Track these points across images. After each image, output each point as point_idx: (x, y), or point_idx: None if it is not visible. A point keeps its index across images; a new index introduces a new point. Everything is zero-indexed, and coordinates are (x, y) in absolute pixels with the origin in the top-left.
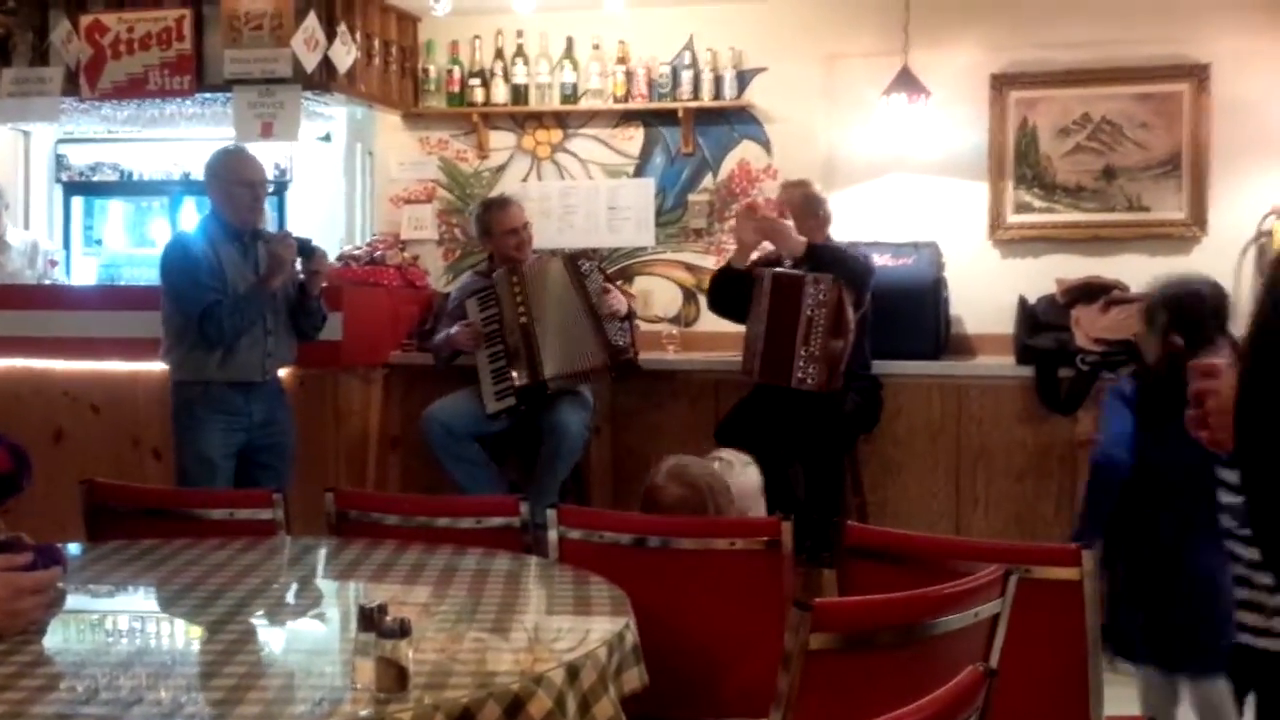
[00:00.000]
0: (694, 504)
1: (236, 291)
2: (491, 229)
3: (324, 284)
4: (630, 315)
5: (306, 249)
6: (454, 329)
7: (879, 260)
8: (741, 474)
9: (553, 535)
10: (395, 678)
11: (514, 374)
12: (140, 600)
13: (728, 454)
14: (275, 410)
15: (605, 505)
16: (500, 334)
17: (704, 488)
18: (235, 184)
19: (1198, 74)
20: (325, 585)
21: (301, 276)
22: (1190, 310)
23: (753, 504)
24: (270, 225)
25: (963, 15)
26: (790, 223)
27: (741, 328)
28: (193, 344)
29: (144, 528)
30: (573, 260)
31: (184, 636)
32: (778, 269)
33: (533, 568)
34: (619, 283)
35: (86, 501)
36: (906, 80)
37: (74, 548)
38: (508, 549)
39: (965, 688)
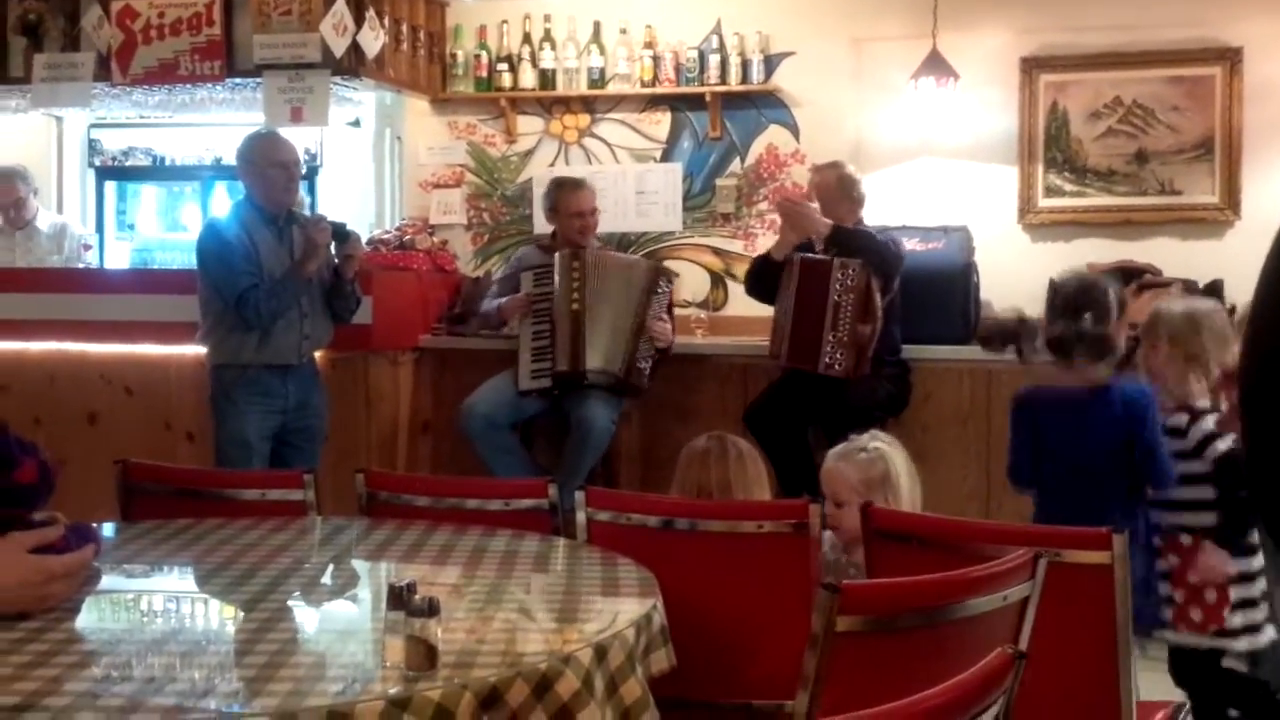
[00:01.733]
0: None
1: (272, 275)
2: (559, 208)
3: (358, 268)
4: (666, 351)
5: (341, 233)
6: (504, 299)
7: (909, 245)
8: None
9: (581, 517)
10: (425, 656)
11: (555, 356)
12: (173, 580)
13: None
14: (310, 393)
15: (634, 489)
16: (550, 314)
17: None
18: (269, 165)
19: (1230, 57)
20: (356, 565)
21: (336, 261)
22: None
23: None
24: (304, 209)
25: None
26: (816, 205)
27: (769, 311)
28: (230, 327)
29: (177, 508)
30: (656, 271)
31: (216, 615)
32: (805, 254)
33: (561, 549)
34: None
35: (121, 482)
36: (936, 63)
37: (108, 527)
38: (537, 531)
39: (994, 670)
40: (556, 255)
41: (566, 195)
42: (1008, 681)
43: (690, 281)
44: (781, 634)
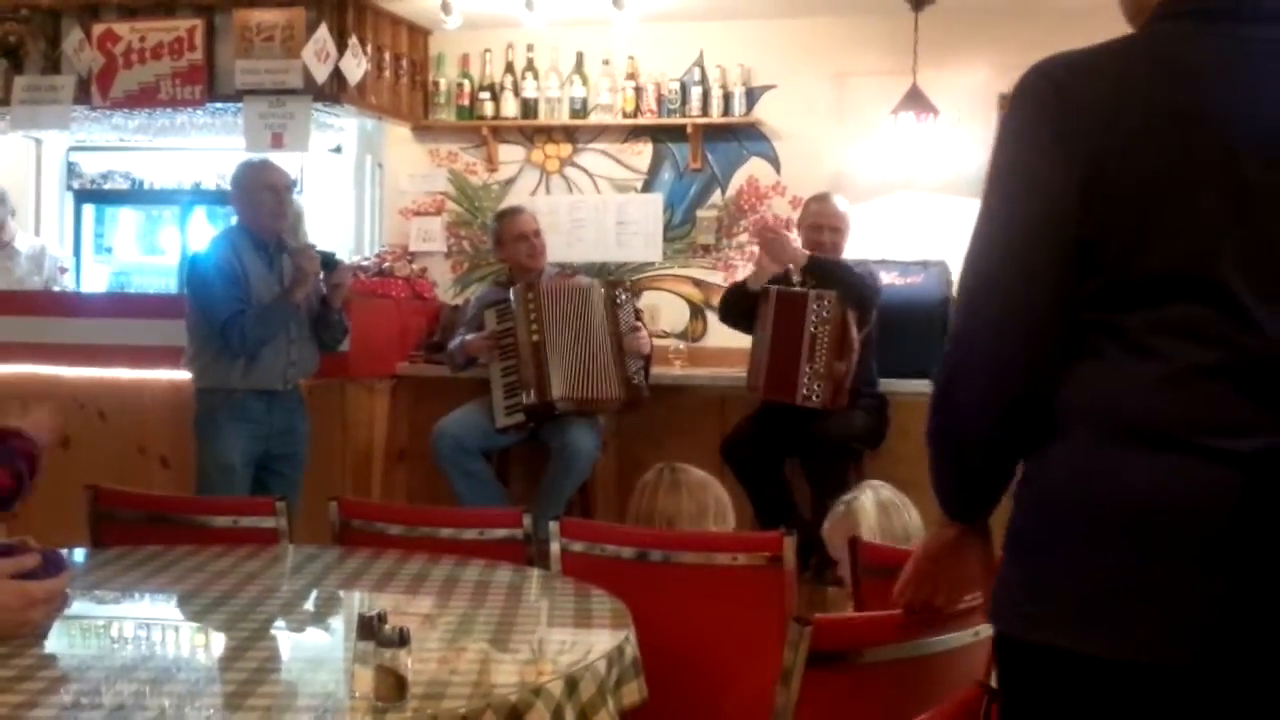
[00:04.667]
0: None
1: (261, 302)
2: (503, 237)
3: (346, 297)
4: (649, 357)
5: (330, 262)
6: (469, 336)
7: (886, 279)
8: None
9: (555, 548)
10: (394, 686)
11: (524, 391)
12: (143, 606)
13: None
14: (294, 420)
15: (611, 518)
16: (515, 348)
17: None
18: (259, 189)
19: None
20: (326, 594)
21: (324, 289)
22: None
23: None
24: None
25: (971, 35)
26: (794, 234)
27: (748, 341)
28: (216, 352)
29: (148, 534)
30: (610, 286)
31: (185, 643)
32: (781, 287)
33: (534, 579)
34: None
35: (91, 507)
36: (915, 99)
37: (79, 553)
38: (510, 561)
39: (963, 704)
40: (512, 289)
41: (507, 223)
42: (978, 716)
43: (669, 313)
44: (755, 667)
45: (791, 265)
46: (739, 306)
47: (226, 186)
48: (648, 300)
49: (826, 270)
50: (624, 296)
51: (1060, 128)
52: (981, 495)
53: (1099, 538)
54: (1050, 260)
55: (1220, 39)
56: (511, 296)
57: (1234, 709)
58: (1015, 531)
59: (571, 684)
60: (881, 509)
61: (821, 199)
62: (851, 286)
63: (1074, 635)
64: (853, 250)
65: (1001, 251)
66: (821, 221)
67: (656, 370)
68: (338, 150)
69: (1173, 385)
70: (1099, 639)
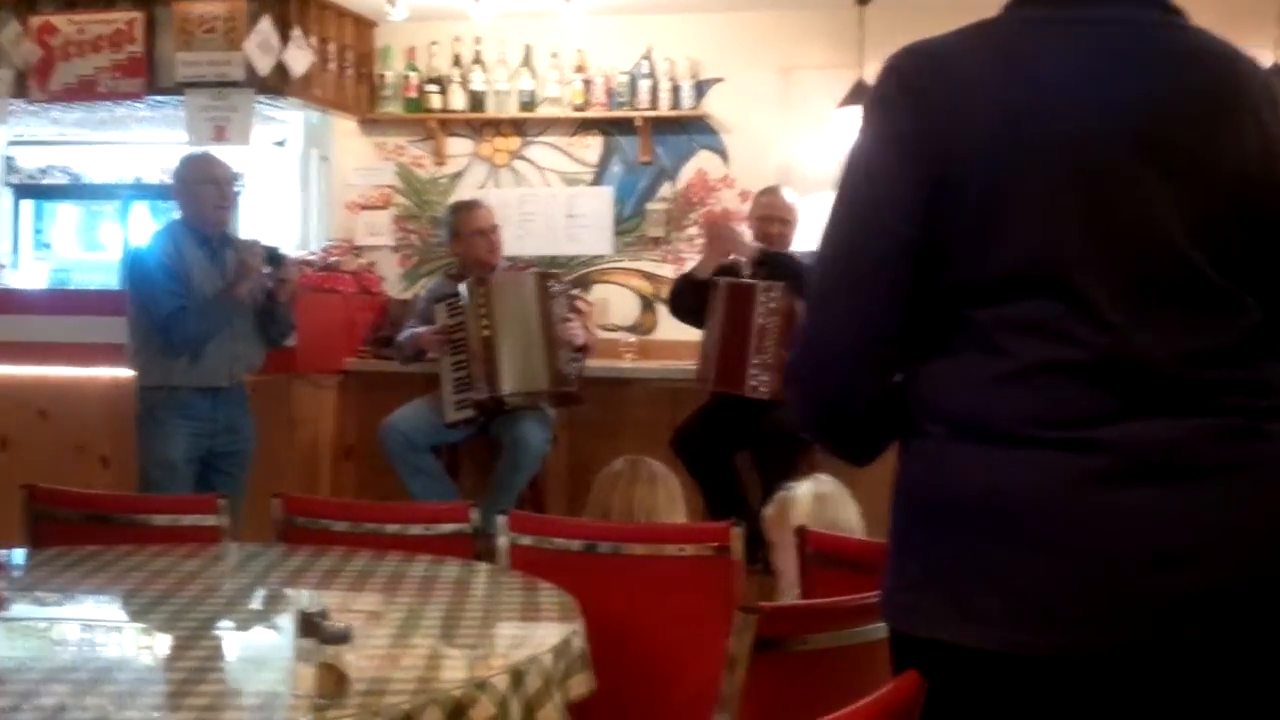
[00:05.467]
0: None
1: (203, 297)
2: (460, 231)
3: (292, 292)
4: (585, 348)
5: (275, 257)
6: (420, 329)
7: None
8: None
9: (503, 541)
10: (335, 684)
11: (474, 386)
12: (80, 607)
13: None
14: (239, 417)
15: (561, 512)
16: (465, 343)
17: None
18: (200, 182)
19: None
20: (268, 592)
21: (269, 284)
22: None
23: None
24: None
25: (916, 29)
26: (744, 226)
27: (697, 334)
28: (159, 349)
29: (87, 534)
30: (543, 277)
31: (123, 644)
32: (731, 279)
33: (482, 574)
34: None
35: (27, 507)
36: (861, 92)
37: (16, 554)
38: (458, 556)
39: (905, 691)
40: (463, 284)
41: (464, 216)
42: (918, 700)
43: (620, 306)
44: (703, 656)
45: (742, 258)
46: (689, 298)
47: (168, 181)
48: (598, 293)
49: (777, 262)
50: (556, 287)
51: (907, 126)
52: (858, 452)
53: (952, 531)
54: (885, 259)
55: (1066, 25)
56: (463, 291)
57: (1107, 698)
58: (891, 523)
59: (517, 677)
60: (818, 500)
61: (771, 191)
62: (802, 278)
63: (937, 626)
64: (801, 242)
65: (841, 249)
66: (771, 213)
67: (607, 363)
68: (282, 144)
69: (1015, 381)
70: (957, 628)
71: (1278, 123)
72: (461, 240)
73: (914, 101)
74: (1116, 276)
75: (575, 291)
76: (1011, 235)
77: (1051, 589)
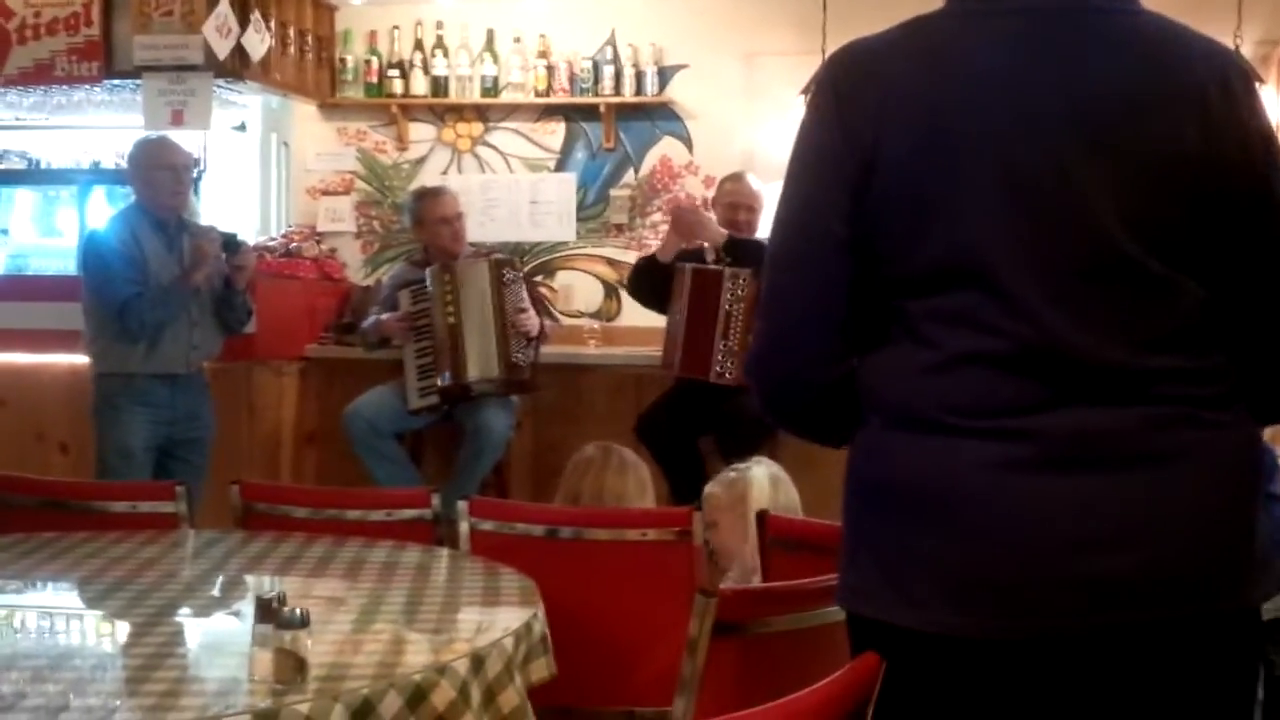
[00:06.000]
0: None
1: (159, 284)
2: (424, 218)
3: (249, 278)
4: (540, 337)
5: (231, 243)
6: (385, 316)
7: None
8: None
9: (464, 527)
10: (294, 669)
11: (438, 373)
12: (37, 595)
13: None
14: (198, 404)
15: (525, 498)
16: (430, 330)
17: None
18: (155, 168)
19: None
20: (227, 578)
21: (226, 271)
22: None
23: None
24: (195, 216)
25: (880, 16)
26: (711, 214)
27: (662, 321)
28: (114, 335)
29: (43, 521)
30: (498, 265)
31: (80, 631)
32: (697, 265)
33: (443, 560)
34: (540, 279)
35: None
36: None
37: None
38: (419, 542)
39: (862, 672)
40: (428, 270)
41: (429, 203)
42: (875, 681)
43: (583, 292)
44: (664, 641)
45: (708, 244)
46: (649, 280)
47: (125, 166)
48: (562, 280)
49: (745, 249)
50: (510, 275)
51: (841, 122)
52: (823, 436)
53: (888, 517)
54: (823, 257)
55: (1002, 17)
56: (427, 277)
57: (1043, 681)
58: (843, 508)
59: (478, 662)
60: (773, 482)
61: (737, 178)
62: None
63: (882, 608)
64: (764, 230)
65: (783, 248)
66: (738, 200)
67: (571, 350)
68: (242, 128)
69: (941, 372)
70: (898, 611)
71: (1228, 101)
72: (425, 228)
73: (843, 106)
74: (1048, 268)
75: (539, 279)
76: (937, 230)
77: (978, 574)
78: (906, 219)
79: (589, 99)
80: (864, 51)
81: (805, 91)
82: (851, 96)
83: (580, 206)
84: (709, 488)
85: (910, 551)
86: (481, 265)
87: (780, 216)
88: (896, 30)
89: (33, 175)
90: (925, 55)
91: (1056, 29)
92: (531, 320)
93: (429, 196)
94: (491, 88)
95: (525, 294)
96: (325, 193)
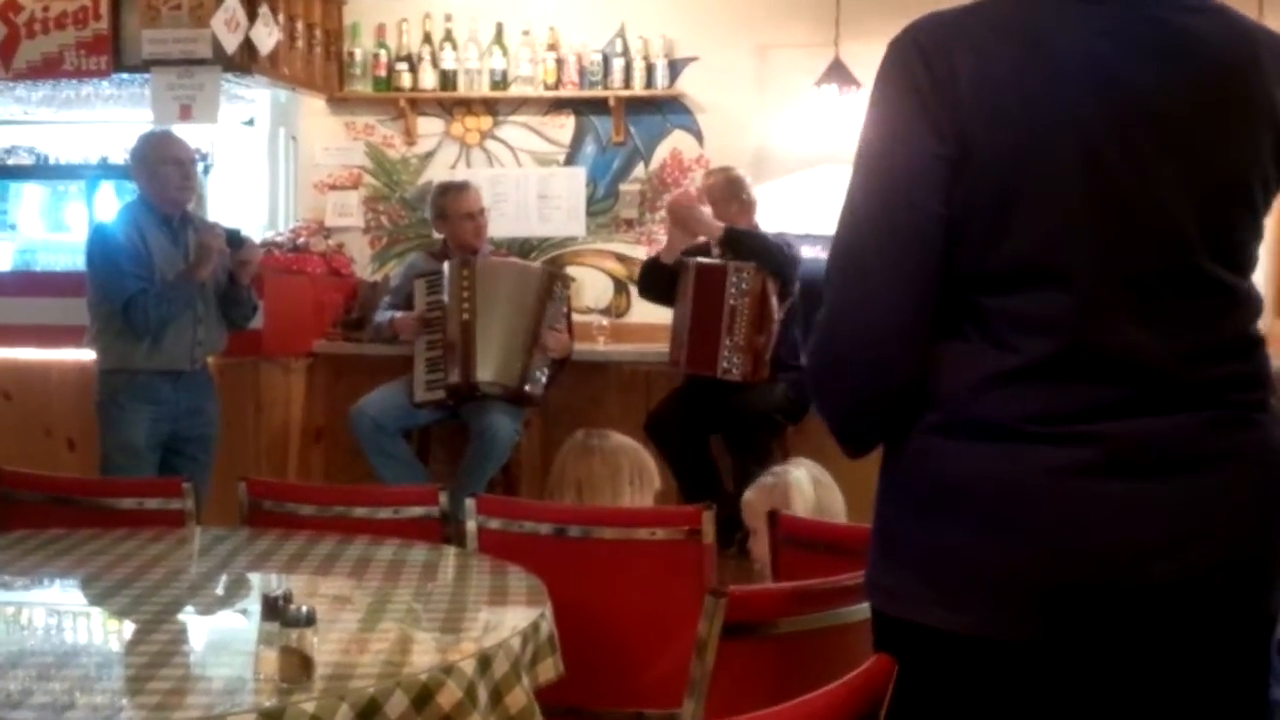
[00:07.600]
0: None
1: (164, 279)
2: (448, 212)
3: (254, 274)
4: (563, 362)
5: (235, 239)
6: (399, 314)
7: (809, 251)
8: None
9: (471, 525)
10: (299, 667)
11: (447, 369)
12: (44, 591)
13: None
14: (203, 400)
15: (534, 497)
16: (442, 324)
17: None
18: (161, 163)
19: None
20: (233, 576)
21: (230, 266)
22: None
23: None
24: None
25: (894, 7)
26: (708, 208)
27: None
28: (119, 331)
29: (51, 516)
30: (552, 277)
31: (86, 628)
32: (701, 259)
33: (450, 558)
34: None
35: None
36: (838, 71)
37: None
38: (426, 540)
39: (875, 674)
40: (446, 264)
41: (454, 198)
42: (887, 684)
43: (592, 288)
44: (674, 641)
45: (707, 238)
46: (656, 281)
47: (129, 160)
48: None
49: (743, 241)
50: (561, 293)
51: (928, 102)
52: (873, 440)
53: (938, 518)
54: (920, 232)
55: (1095, 5)
56: (445, 270)
57: (1085, 683)
58: (877, 504)
59: (485, 662)
60: (819, 486)
61: (723, 171)
62: (768, 256)
63: (915, 609)
64: (777, 223)
65: (872, 226)
66: (728, 194)
67: (581, 347)
68: (250, 123)
69: (1015, 378)
70: (935, 612)
71: None
72: (449, 222)
73: (936, 77)
74: (1126, 272)
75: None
76: (1021, 226)
77: (1031, 577)
78: (991, 209)
79: (599, 92)
80: (951, 22)
81: (821, 83)
82: (944, 68)
83: (590, 201)
84: (746, 495)
85: (960, 554)
86: (532, 270)
87: (867, 191)
88: (974, 9)
89: (41, 170)
90: (1014, 40)
91: (1138, 25)
92: (562, 341)
93: (454, 191)
94: (500, 81)
95: (565, 314)
96: (333, 187)
